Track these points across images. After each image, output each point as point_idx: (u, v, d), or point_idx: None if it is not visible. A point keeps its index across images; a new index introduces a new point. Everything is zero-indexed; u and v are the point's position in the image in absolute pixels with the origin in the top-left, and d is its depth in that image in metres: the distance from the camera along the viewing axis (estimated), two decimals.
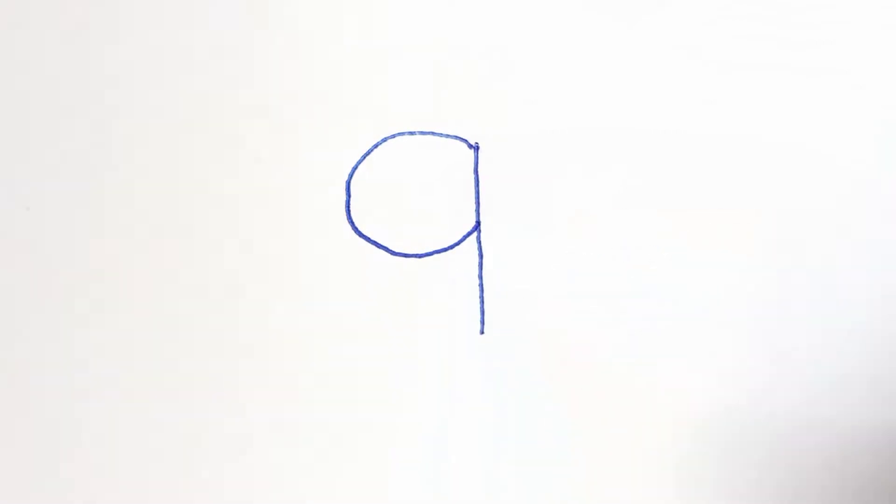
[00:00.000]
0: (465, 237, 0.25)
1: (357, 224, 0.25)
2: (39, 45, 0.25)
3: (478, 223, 0.25)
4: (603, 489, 0.25)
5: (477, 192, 0.26)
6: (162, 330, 0.25)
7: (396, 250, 0.25)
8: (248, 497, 0.25)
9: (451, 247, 0.25)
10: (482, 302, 0.25)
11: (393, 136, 0.26)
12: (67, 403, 0.25)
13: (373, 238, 0.25)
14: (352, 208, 0.25)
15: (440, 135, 0.26)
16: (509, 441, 0.25)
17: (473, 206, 0.25)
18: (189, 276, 0.25)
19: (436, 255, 0.25)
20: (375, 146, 0.25)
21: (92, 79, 0.25)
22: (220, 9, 0.25)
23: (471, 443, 0.25)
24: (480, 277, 0.25)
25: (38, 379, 0.25)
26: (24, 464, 0.25)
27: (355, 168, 0.25)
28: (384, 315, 0.25)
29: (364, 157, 0.25)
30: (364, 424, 0.25)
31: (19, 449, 0.25)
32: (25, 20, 0.25)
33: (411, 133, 0.26)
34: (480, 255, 0.25)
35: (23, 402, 0.25)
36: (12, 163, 0.25)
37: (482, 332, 0.25)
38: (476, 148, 0.26)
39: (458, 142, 0.26)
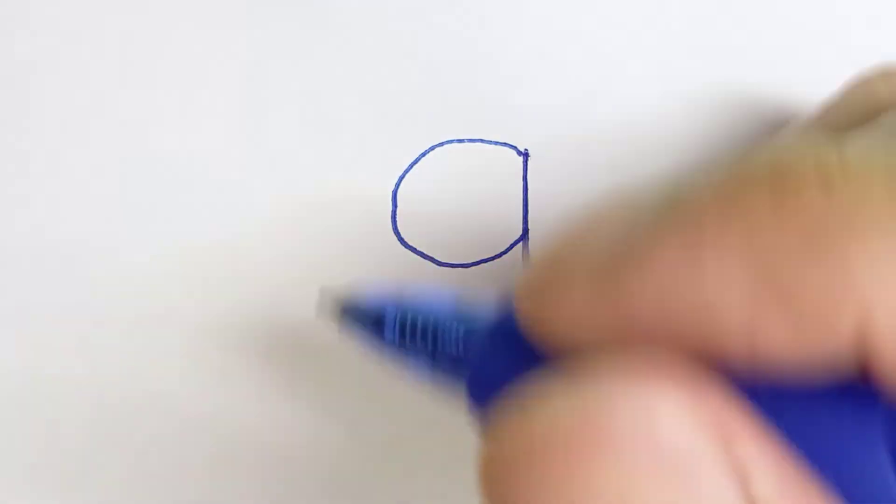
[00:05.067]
0: (512, 245, 0.24)
1: (403, 234, 0.25)
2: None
3: (525, 231, 0.24)
4: None
5: (525, 200, 0.25)
6: (206, 338, 0.25)
7: (443, 260, 0.25)
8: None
9: (498, 255, 0.24)
10: None
11: (441, 144, 0.25)
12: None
13: (419, 248, 0.25)
14: (398, 219, 0.25)
15: (489, 142, 0.25)
16: None
17: (521, 215, 0.24)
18: (234, 289, 0.25)
19: (482, 265, 0.24)
20: (423, 154, 0.25)
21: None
22: (258, 15, 0.26)
23: None
24: None
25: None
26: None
27: (402, 177, 0.25)
28: None
29: (412, 165, 0.25)
30: (405, 435, 0.24)
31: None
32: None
33: (460, 140, 0.25)
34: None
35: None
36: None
37: None
38: (525, 155, 0.25)
39: (507, 149, 0.25)
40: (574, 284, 0.13)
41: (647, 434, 0.12)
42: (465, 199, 0.25)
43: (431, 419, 0.24)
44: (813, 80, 0.24)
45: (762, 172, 0.12)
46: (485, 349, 0.16)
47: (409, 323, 0.19)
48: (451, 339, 0.18)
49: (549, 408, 0.12)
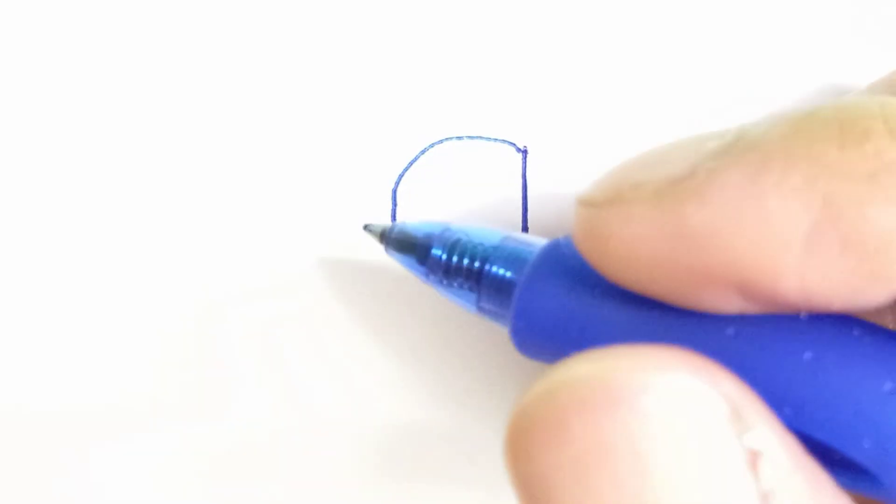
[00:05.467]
0: None
1: None
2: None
3: (525, 229, 0.24)
4: None
5: (524, 198, 0.24)
6: (199, 338, 0.25)
7: None
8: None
9: None
10: None
11: (440, 142, 0.25)
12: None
13: None
14: (398, 217, 0.25)
15: (488, 139, 0.25)
16: None
17: (521, 212, 0.24)
18: (229, 285, 0.25)
19: None
20: (423, 152, 0.25)
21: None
22: (256, 11, 0.25)
23: None
24: None
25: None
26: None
27: (402, 175, 0.25)
28: (428, 325, 0.24)
29: (411, 163, 0.25)
30: (405, 434, 0.24)
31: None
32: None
33: (459, 138, 0.25)
34: None
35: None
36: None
37: None
38: (524, 152, 0.24)
39: (506, 146, 0.25)
40: (638, 201, 0.14)
41: (659, 396, 0.12)
42: (464, 196, 0.25)
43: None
44: (810, 81, 0.23)
45: (831, 116, 0.12)
46: (532, 280, 0.16)
47: (456, 251, 0.19)
48: (497, 269, 0.18)
49: (571, 371, 0.12)
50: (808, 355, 0.13)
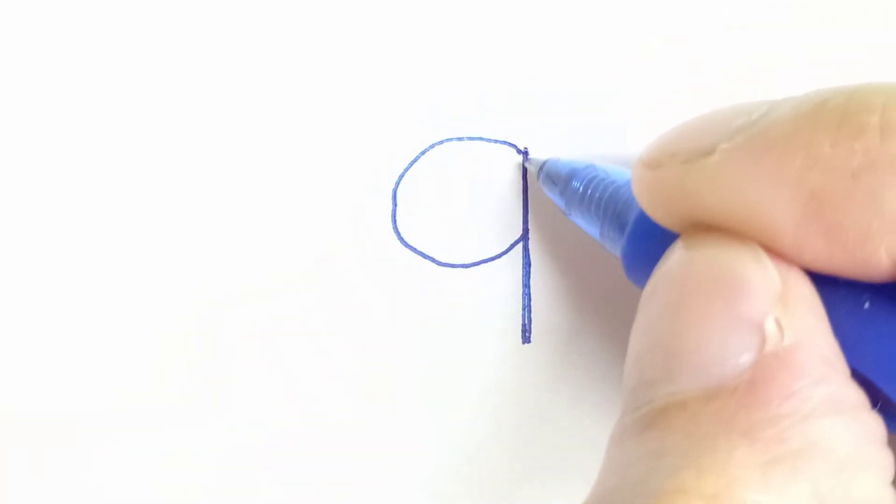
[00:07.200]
0: (512, 246, 0.24)
1: (403, 234, 0.25)
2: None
3: (526, 231, 0.24)
4: None
5: (525, 199, 0.24)
6: (200, 338, 0.25)
7: (442, 260, 0.25)
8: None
9: (498, 256, 0.24)
10: (529, 312, 0.24)
11: (440, 143, 0.25)
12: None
13: (418, 248, 0.25)
14: (398, 218, 0.25)
15: (489, 140, 0.25)
16: (549, 450, 0.23)
17: (521, 214, 0.24)
18: (229, 285, 0.25)
19: (482, 265, 0.24)
20: (423, 153, 0.25)
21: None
22: (256, 12, 0.25)
23: (513, 451, 0.24)
24: (528, 287, 0.24)
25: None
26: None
27: (402, 176, 0.25)
28: (429, 326, 0.24)
29: (411, 164, 0.25)
30: (405, 433, 0.24)
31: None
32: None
33: (459, 139, 0.25)
34: (528, 265, 0.24)
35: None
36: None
37: (528, 342, 0.24)
38: (525, 153, 0.24)
39: (506, 147, 0.25)
40: (670, 169, 0.15)
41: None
42: (464, 197, 0.25)
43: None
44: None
45: (838, 106, 0.13)
46: (644, 219, 0.17)
47: (591, 185, 0.21)
48: (619, 203, 0.20)
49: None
50: (867, 304, 0.14)
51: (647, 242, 0.17)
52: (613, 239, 0.20)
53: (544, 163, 0.23)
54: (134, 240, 0.24)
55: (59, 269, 0.25)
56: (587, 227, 0.21)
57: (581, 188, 0.21)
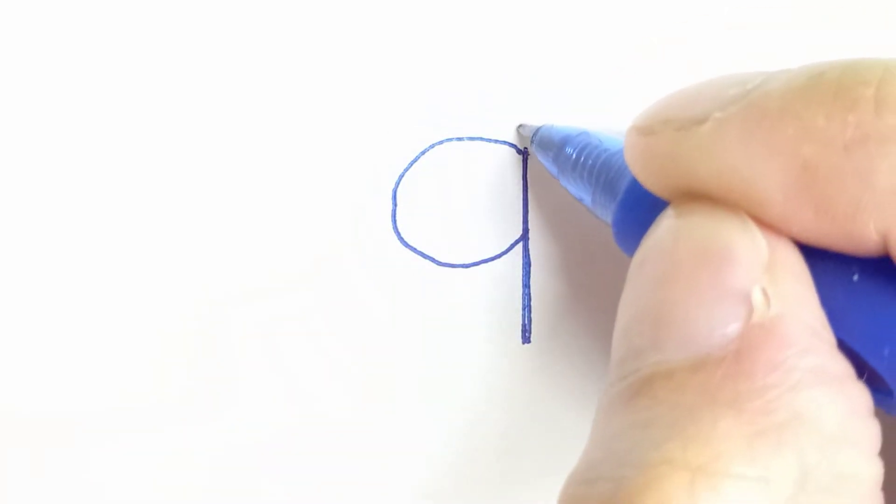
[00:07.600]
0: (512, 246, 0.24)
1: (402, 234, 0.25)
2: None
3: (526, 231, 0.24)
4: None
5: (525, 200, 0.24)
6: (200, 338, 0.25)
7: (442, 260, 0.25)
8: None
9: (498, 256, 0.24)
10: (529, 312, 0.24)
11: (440, 143, 0.25)
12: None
13: (418, 248, 0.25)
14: (398, 218, 0.25)
15: (488, 140, 0.25)
16: (549, 450, 0.23)
17: (521, 214, 0.24)
18: (229, 285, 0.25)
19: (482, 265, 0.24)
20: (423, 153, 0.25)
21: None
22: (256, 12, 0.25)
23: (513, 451, 0.24)
24: (528, 287, 0.24)
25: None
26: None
27: (402, 176, 0.25)
28: (429, 326, 0.24)
29: (411, 164, 0.25)
30: (405, 433, 0.24)
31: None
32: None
33: (459, 139, 0.25)
34: (528, 265, 0.24)
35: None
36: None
37: (528, 342, 0.24)
38: (525, 153, 0.24)
39: (506, 147, 0.25)
40: (663, 136, 0.15)
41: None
42: (464, 197, 0.25)
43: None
44: None
45: (835, 78, 0.13)
46: (636, 181, 0.18)
47: (584, 151, 0.21)
48: (611, 171, 0.20)
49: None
50: (855, 276, 0.14)
51: (638, 211, 0.17)
52: (605, 206, 0.20)
53: (538, 129, 0.23)
54: (134, 240, 0.24)
55: (59, 270, 0.24)
56: (579, 193, 0.21)
57: (574, 155, 0.21)
